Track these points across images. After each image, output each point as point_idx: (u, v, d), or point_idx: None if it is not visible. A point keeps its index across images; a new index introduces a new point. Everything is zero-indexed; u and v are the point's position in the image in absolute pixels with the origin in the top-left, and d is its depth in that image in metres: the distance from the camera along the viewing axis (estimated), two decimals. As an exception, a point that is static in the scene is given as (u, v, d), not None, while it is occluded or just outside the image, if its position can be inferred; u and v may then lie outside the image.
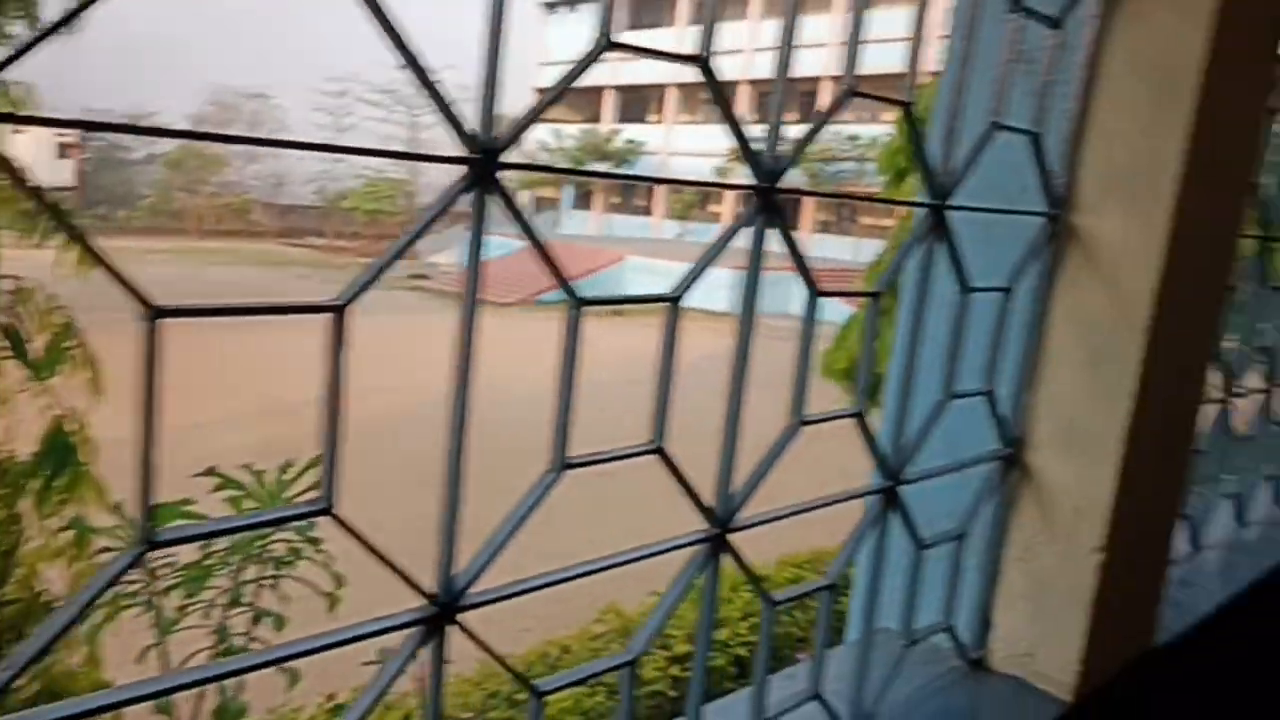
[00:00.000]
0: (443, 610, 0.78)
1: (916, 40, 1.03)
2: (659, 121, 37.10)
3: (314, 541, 3.58)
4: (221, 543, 3.42)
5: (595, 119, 37.78)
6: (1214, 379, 1.93)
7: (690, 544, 0.97)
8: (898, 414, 1.13)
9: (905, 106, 1.02)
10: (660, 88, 35.52)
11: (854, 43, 0.94)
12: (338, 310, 0.66)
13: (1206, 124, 1.21)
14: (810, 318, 0.99)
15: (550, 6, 38.35)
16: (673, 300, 0.86)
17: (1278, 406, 2.25)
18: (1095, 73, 1.24)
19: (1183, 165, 1.20)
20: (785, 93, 0.94)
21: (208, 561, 3.30)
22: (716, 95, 0.82)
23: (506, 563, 0.81)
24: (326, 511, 0.69)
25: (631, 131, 36.63)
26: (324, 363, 0.67)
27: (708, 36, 0.80)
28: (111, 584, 0.66)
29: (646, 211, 37.83)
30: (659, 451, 0.88)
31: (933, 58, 1.32)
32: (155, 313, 0.58)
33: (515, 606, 0.87)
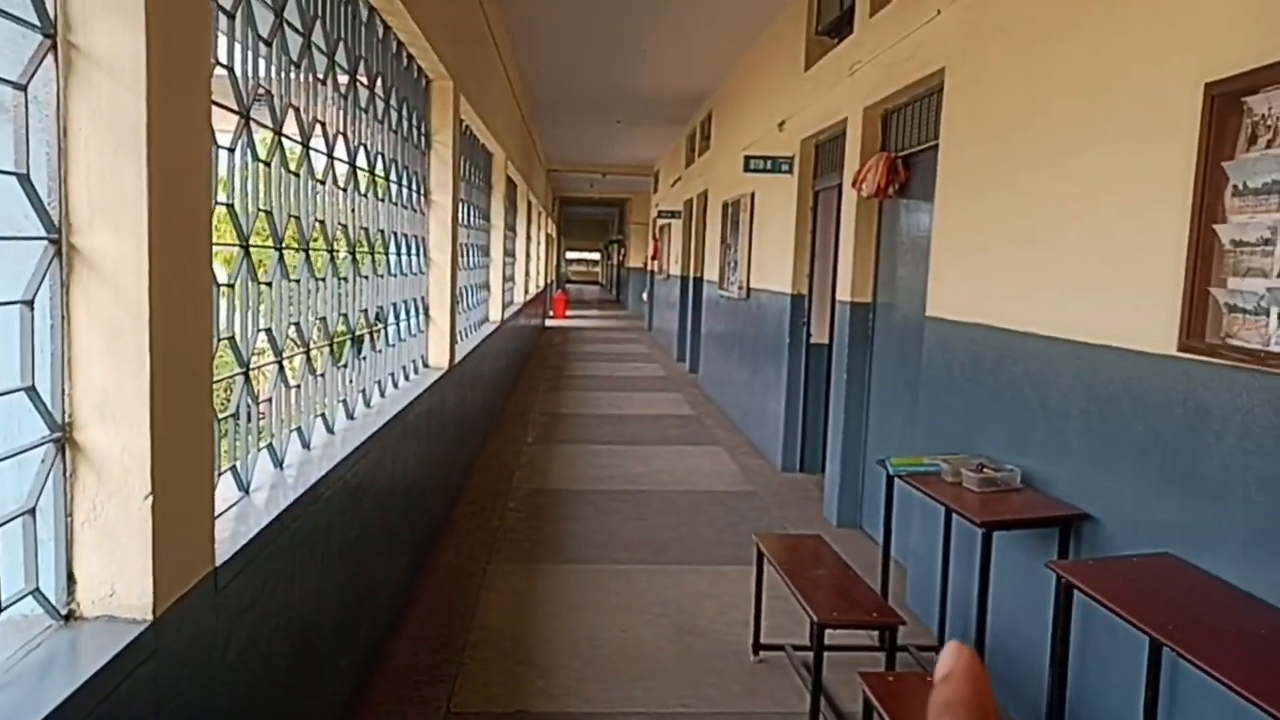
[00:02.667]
0: None
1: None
2: None
3: None
4: None
5: None
6: (232, 359, 2.48)
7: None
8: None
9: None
10: None
11: None
12: None
13: (160, 160, 1.64)
14: None
15: None
16: None
17: (288, 374, 2.94)
18: (66, 126, 1.57)
19: (147, 193, 1.62)
20: None
21: None
22: None
23: None
24: None
25: None
26: None
27: None
28: None
29: None
30: None
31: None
32: None
33: None
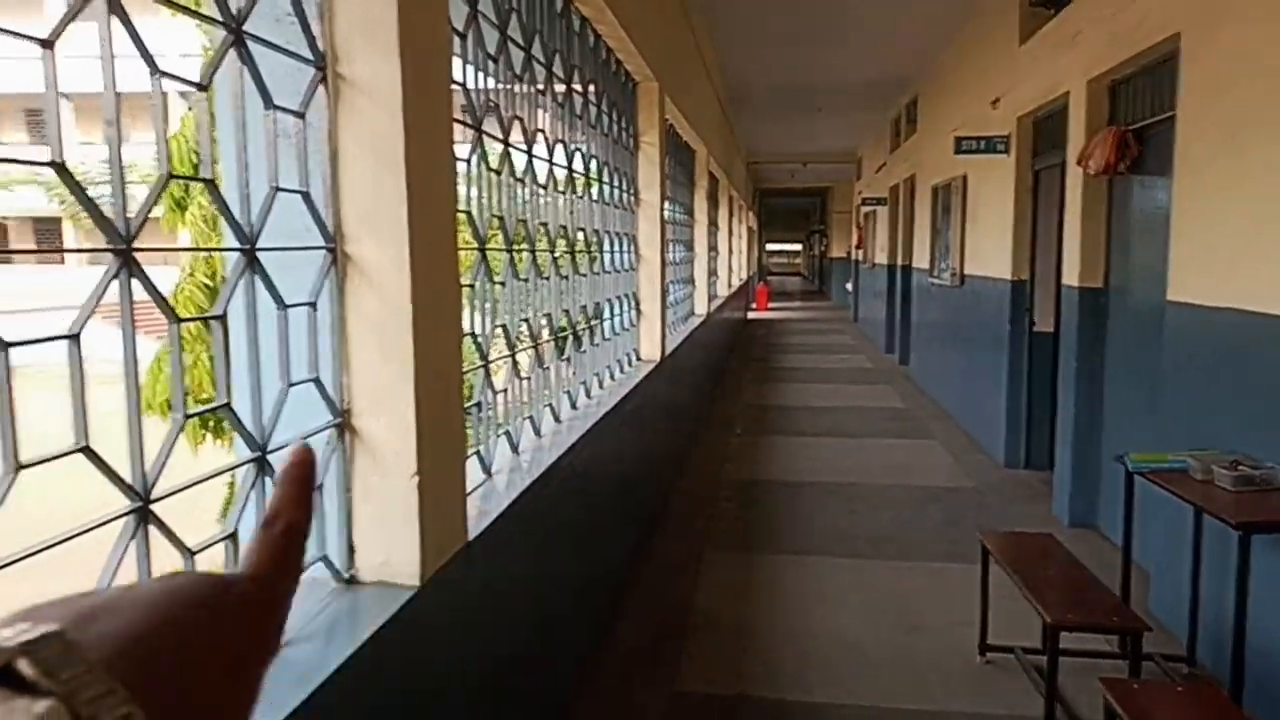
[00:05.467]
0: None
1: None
2: None
3: None
4: None
5: None
6: (474, 353, 2.68)
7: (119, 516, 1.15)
8: (254, 404, 1.52)
9: (209, 182, 1.41)
10: None
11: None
12: None
13: (415, 175, 1.82)
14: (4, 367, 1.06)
15: None
16: (74, 336, 1.12)
17: (520, 367, 3.15)
18: (336, 147, 1.78)
19: (406, 205, 1.80)
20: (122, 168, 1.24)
21: None
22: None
23: None
24: None
25: None
26: None
27: (58, 140, 1.07)
28: None
29: None
30: (87, 450, 1.10)
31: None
32: None
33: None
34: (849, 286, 22.03)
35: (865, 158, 18.45)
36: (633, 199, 5.54)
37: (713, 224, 11.68)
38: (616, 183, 4.98)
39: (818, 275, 37.84)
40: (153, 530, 1.27)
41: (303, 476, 0.43)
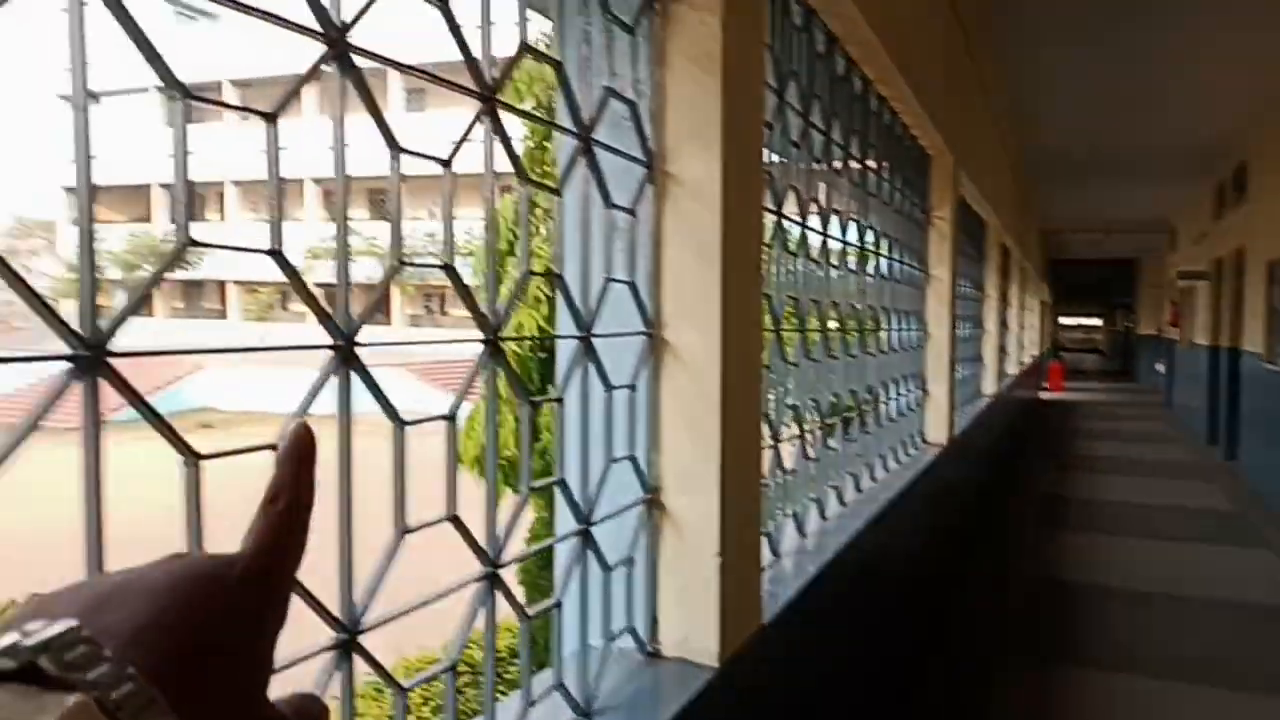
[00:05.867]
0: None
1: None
2: (221, 219, 35.12)
3: None
4: None
5: (145, 218, 35.06)
6: (765, 431, 2.71)
7: (321, 651, 1.08)
8: (581, 477, 1.64)
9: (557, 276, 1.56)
10: (218, 184, 33.80)
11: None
12: None
13: (729, 265, 1.90)
14: (400, 448, 1.18)
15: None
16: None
17: (809, 449, 3.14)
18: (659, 240, 1.90)
19: (720, 294, 1.88)
20: (346, 257, 1.11)
21: None
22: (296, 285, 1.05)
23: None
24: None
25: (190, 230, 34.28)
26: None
27: (278, 229, 1.01)
28: None
29: (220, 315, 35.34)
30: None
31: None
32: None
33: None
34: (1160, 367, 19.91)
35: (1180, 227, 16.75)
36: (922, 275, 5.40)
37: (1003, 298, 11.06)
38: (906, 258, 4.88)
39: (1122, 353, 34.58)
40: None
41: (303, 454, 0.43)
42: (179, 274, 32.38)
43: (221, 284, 36.41)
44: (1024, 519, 8.13)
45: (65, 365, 0.80)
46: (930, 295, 5.54)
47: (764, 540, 2.67)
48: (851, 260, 3.75)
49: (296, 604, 1.04)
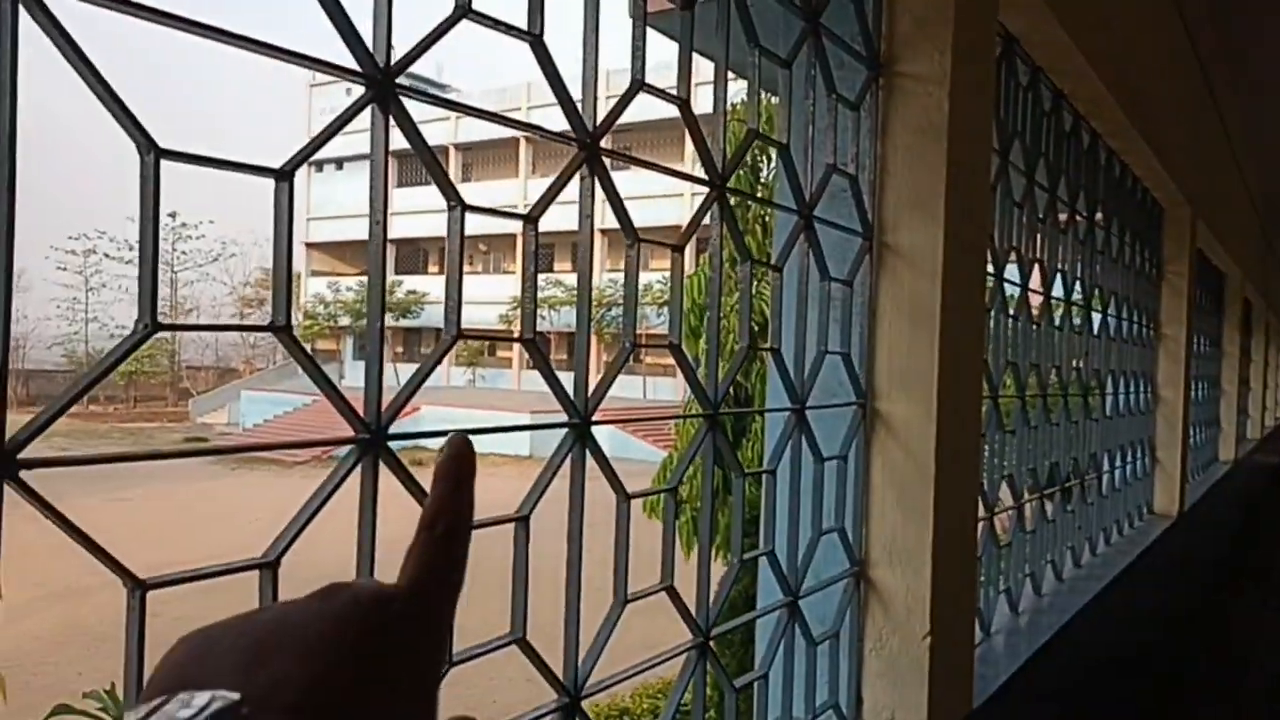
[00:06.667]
0: None
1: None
2: (439, 272, 37.83)
3: None
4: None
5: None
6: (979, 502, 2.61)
7: (548, 713, 1.13)
8: (789, 551, 1.65)
9: (775, 351, 1.59)
10: (438, 239, 36.68)
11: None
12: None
13: (947, 334, 1.86)
14: (623, 521, 1.23)
15: (315, 164, 39.48)
16: (522, 519, 1.09)
17: (1025, 521, 2.98)
18: (874, 310, 1.89)
19: (937, 363, 1.84)
20: (588, 337, 1.21)
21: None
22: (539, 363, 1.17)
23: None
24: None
25: (411, 282, 37.09)
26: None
27: (532, 323, 1.08)
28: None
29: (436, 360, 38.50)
30: (521, 641, 1.08)
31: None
32: (143, 585, 0.70)
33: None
34: None
35: None
36: (1151, 334, 5.01)
37: (1244, 354, 10.04)
38: (1135, 317, 4.55)
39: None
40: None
41: (463, 473, 0.40)
42: (403, 322, 35.29)
43: (438, 331, 39.36)
44: (1270, 599, 7.28)
45: (351, 447, 0.90)
46: (1162, 355, 5.13)
47: (974, 616, 2.56)
48: (1075, 320, 3.55)
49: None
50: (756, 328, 1.70)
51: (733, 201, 1.46)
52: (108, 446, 25.32)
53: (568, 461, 1.14)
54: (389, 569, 0.42)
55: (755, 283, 1.64)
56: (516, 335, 1.07)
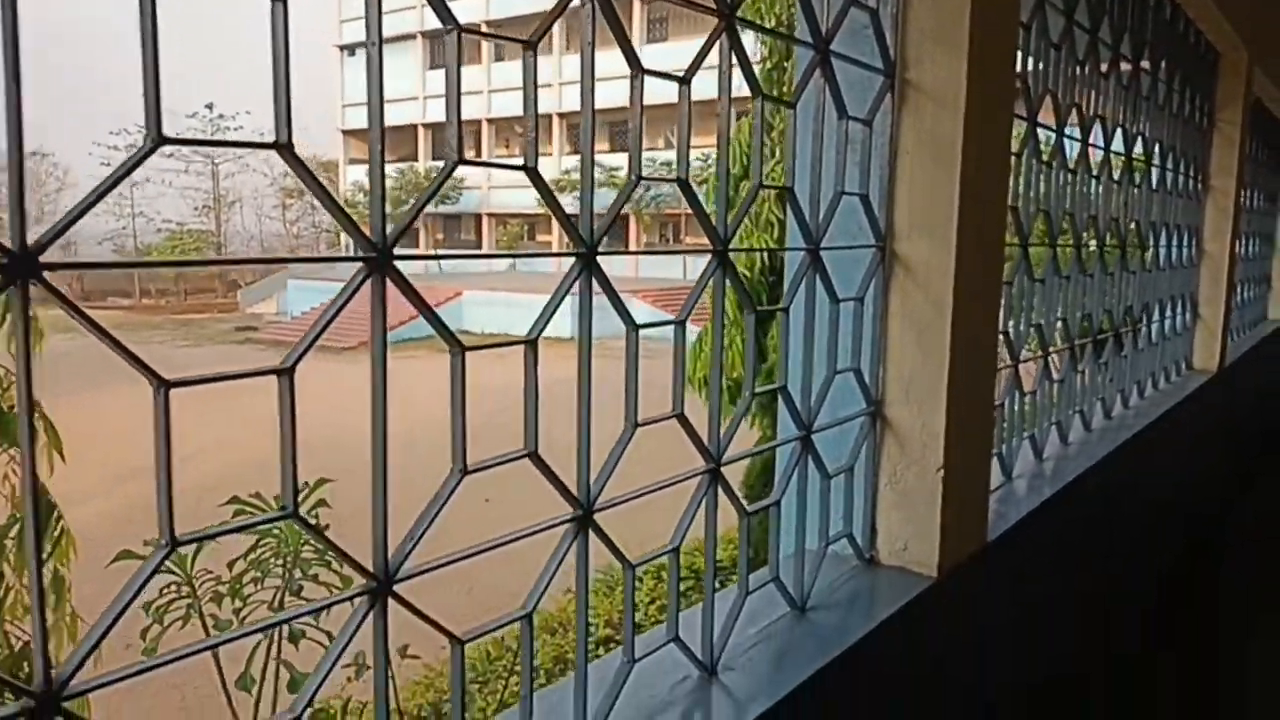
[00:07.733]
0: (381, 585, 1.01)
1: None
2: (476, 154, 37.68)
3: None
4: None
5: (411, 157, 38.65)
6: (1003, 352, 2.62)
7: (562, 523, 1.23)
8: (804, 387, 1.69)
9: (787, 189, 1.59)
10: (474, 123, 36.30)
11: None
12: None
13: (969, 174, 1.84)
14: (632, 350, 1.28)
15: (347, 49, 39.01)
16: (530, 341, 1.14)
17: (1051, 368, 2.99)
18: (895, 150, 1.86)
19: (958, 204, 1.83)
20: (592, 167, 1.21)
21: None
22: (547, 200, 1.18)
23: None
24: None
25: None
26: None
27: (534, 150, 1.11)
28: (148, 580, 0.86)
29: (475, 246, 38.83)
30: (534, 455, 1.14)
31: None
32: (166, 384, 0.78)
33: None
34: None
35: None
36: (1199, 186, 4.85)
37: (1304, 212, 9.66)
38: (1181, 168, 4.40)
39: None
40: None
41: None
42: (442, 208, 35.27)
43: (477, 217, 39.39)
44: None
45: (358, 266, 0.95)
46: (1210, 207, 4.98)
47: (996, 461, 2.61)
48: (1116, 170, 3.45)
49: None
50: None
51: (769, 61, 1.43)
52: (161, 336, 26.06)
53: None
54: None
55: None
56: (521, 165, 1.09)
